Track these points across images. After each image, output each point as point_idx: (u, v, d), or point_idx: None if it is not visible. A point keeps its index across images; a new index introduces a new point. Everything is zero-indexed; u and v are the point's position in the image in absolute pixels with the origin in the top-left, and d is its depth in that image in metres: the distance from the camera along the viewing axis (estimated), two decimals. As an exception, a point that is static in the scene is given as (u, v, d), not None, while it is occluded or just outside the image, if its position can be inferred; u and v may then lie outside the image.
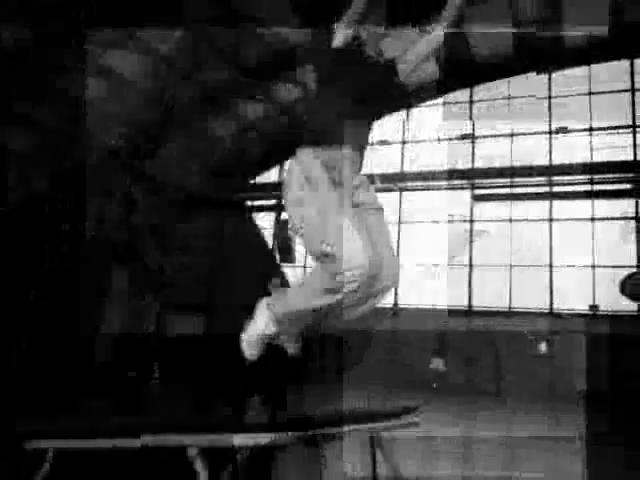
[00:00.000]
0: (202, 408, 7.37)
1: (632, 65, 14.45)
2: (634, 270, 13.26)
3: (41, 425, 2.62)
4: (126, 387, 9.76)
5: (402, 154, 16.92)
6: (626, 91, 14.45)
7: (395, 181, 16.17)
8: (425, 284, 15.69)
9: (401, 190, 16.46)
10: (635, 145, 14.04)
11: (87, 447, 2.32)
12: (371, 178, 14.42)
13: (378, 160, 16.69)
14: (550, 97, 15.25)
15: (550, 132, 15.13)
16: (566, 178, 14.43)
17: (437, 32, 2.39)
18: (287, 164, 2.62)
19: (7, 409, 4.66)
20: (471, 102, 16.37)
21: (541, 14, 12.59)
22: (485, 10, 11.82)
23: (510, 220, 15.08)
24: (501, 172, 15.04)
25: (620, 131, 14.35)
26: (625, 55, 14.27)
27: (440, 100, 16.68)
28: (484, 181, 15.22)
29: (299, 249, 15.64)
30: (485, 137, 15.96)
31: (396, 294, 15.46)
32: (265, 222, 17.85)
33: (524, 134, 15.46)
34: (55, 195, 12.67)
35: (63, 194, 12.94)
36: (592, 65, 14.72)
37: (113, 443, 2.19)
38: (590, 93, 14.83)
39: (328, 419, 2.31)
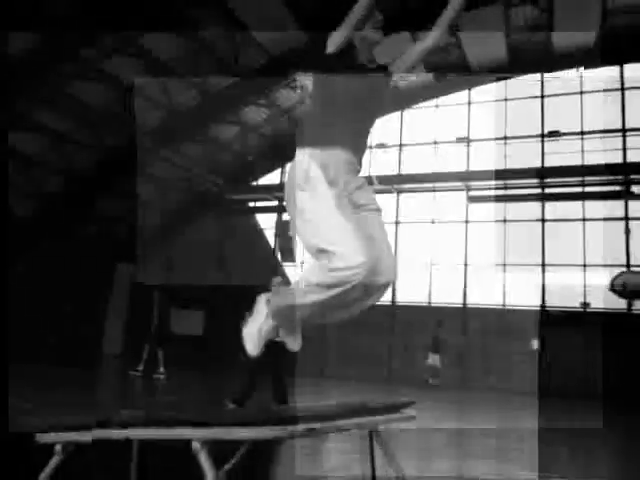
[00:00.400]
0: (205, 402, 7.45)
1: (622, 70, 14.56)
2: (623, 269, 13.42)
3: (48, 419, 2.68)
4: (131, 381, 9.82)
5: (399, 157, 17.01)
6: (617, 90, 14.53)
7: (392, 183, 16.27)
8: (422, 282, 15.79)
9: (398, 192, 16.57)
10: (625, 148, 14.15)
11: (93, 440, 2.36)
12: (369, 180, 14.51)
13: (376, 162, 16.80)
14: (543, 100, 15.38)
15: (543, 135, 15.23)
16: (558, 180, 14.54)
17: (431, 37, 2.46)
18: (288, 166, 2.69)
19: (12, 405, 4.73)
20: (469, 104, 16.47)
21: (534, 20, 12.68)
22: (480, 15, 11.88)
23: (504, 220, 15.18)
24: (496, 174, 15.13)
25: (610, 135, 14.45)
26: (615, 61, 14.35)
27: (436, 103, 16.77)
28: (479, 183, 15.30)
29: (300, 249, 15.75)
30: (480, 140, 16.06)
31: (394, 292, 15.54)
32: (267, 222, 17.96)
33: (517, 137, 15.55)
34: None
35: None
36: (584, 70, 14.82)
37: (118, 436, 2.23)
38: (581, 92, 14.95)
39: (327, 413, 2.36)
